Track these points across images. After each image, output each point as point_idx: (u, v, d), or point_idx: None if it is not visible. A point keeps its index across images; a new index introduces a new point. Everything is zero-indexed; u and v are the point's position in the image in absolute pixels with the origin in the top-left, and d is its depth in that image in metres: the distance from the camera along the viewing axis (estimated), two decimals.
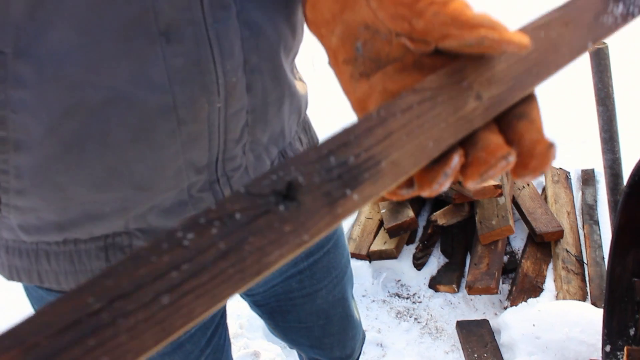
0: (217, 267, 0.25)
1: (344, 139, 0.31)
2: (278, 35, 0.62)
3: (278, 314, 0.98)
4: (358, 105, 0.44)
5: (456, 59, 0.38)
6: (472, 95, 0.36)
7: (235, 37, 0.56)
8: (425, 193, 0.36)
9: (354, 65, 0.44)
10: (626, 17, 0.43)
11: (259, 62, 0.60)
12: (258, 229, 0.27)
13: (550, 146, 0.36)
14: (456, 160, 0.35)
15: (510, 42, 0.34)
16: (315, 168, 0.30)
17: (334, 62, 0.47)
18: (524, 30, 0.40)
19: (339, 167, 0.30)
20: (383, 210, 2.18)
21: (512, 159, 0.35)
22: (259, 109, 0.64)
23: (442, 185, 0.35)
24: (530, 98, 0.39)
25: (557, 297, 1.93)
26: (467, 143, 0.36)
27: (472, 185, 0.36)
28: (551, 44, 0.39)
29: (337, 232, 0.95)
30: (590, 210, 2.23)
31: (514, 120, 0.38)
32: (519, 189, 2.26)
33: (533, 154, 0.36)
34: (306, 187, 0.29)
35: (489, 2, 4.69)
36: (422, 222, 2.29)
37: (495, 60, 0.38)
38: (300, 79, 0.77)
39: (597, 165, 2.24)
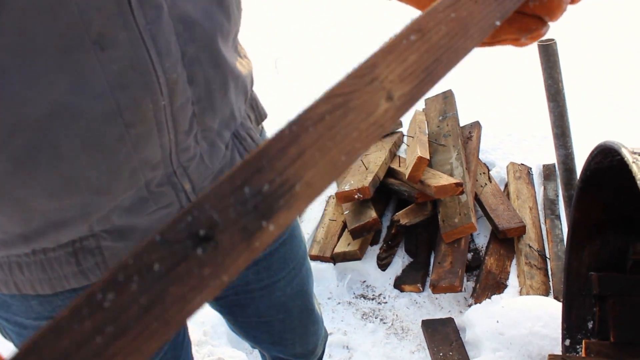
0: (141, 324, 0.25)
1: (257, 165, 0.30)
2: (212, 23, 0.63)
3: (237, 307, 0.99)
4: None
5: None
6: (384, 96, 0.35)
7: (170, 34, 0.57)
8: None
9: None
10: None
11: (197, 54, 0.62)
12: (178, 277, 0.26)
13: None
14: None
15: None
16: (230, 202, 0.29)
17: None
18: (435, 9, 0.39)
19: (254, 198, 0.29)
20: (346, 212, 2.17)
21: None
22: (204, 98, 0.65)
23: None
24: None
25: (520, 293, 1.94)
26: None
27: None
28: (461, 25, 0.39)
29: (294, 223, 0.95)
30: (551, 205, 2.25)
31: None
32: (482, 186, 2.27)
33: None
34: (222, 225, 0.28)
35: None
36: (385, 223, 2.28)
37: (407, 52, 0.36)
38: (245, 56, 0.78)
39: None
